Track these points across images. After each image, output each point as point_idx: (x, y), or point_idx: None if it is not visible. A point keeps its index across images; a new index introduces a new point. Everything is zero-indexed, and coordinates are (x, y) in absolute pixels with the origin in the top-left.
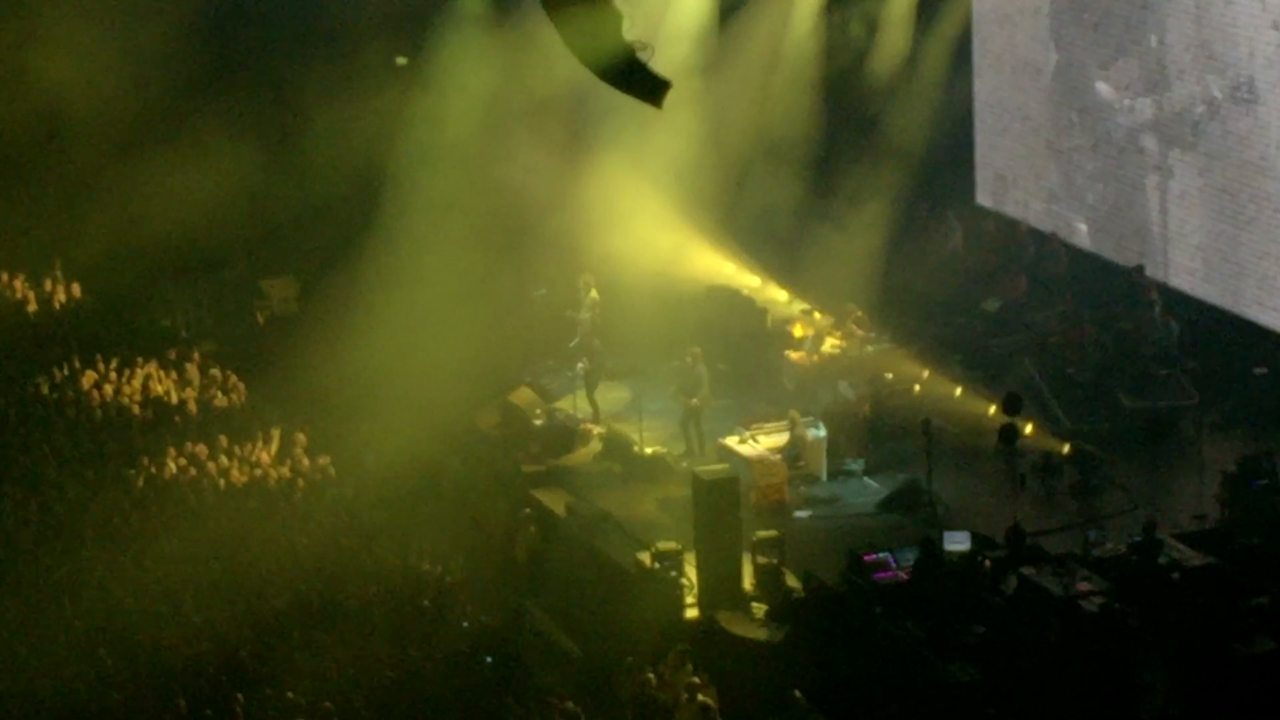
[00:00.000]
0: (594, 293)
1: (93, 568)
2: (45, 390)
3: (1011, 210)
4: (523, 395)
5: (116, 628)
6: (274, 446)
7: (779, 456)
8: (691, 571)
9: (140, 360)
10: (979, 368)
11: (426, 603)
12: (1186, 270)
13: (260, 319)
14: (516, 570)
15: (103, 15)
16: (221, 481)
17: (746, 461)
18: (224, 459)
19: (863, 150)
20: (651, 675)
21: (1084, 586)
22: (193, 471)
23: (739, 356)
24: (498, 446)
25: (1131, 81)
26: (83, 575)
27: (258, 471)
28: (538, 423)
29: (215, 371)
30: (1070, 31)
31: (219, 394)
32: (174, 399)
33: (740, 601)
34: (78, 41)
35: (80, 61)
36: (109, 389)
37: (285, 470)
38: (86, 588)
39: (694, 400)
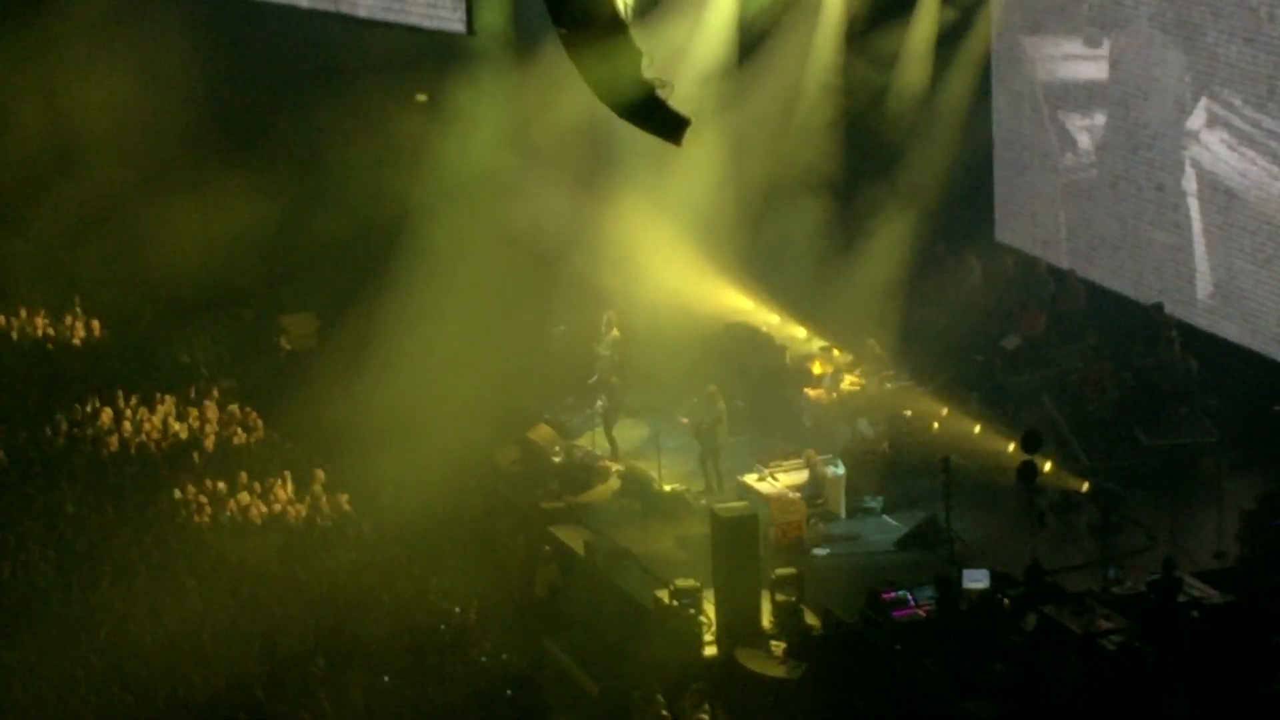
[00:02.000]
0: (615, 331)
1: (110, 604)
2: (64, 427)
3: (1031, 247)
4: (542, 432)
5: (134, 665)
6: (292, 484)
7: (798, 494)
8: (710, 609)
9: (159, 397)
10: (998, 405)
11: (445, 640)
12: (1206, 308)
13: (282, 354)
14: (535, 607)
15: (123, 53)
16: (240, 518)
17: (765, 499)
18: (243, 496)
19: (881, 187)
20: (665, 713)
21: (1103, 625)
22: (211, 508)
23: (758, 393)
24: (516, 483)
25: (1150, 119)
26: (100, 612)
27: (276, 508)
28: (556, 460)
29: (234, 408)
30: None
31: (238, 431)
32: (193, 436)
33: (759, 639)
34: (99, 79)
35: (101, 98)
36: (128, 426)
37: (304, 507)
38: (104, 625)
39: (714, 438)
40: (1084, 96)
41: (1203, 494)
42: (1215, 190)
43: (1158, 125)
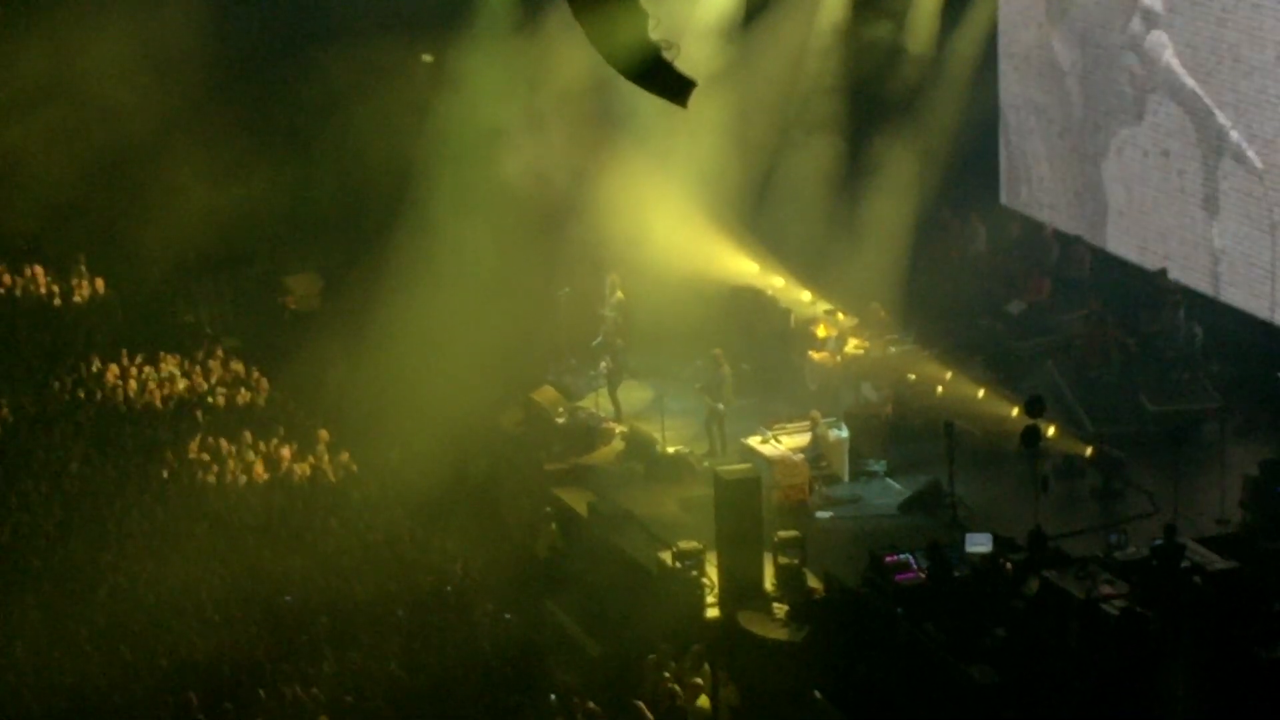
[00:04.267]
0: (620, 293)
1: (114, 563)
2: (69, 385)
3: (1036, 212)
4: (545, 394)
5: (137, 623)
6: (296, 444)
7: (801, 457)
8: (713, 571)
9: (164, 356)
10: (1002, 370)
11: (448, 600)
12: (1210, 274)
13: (286, 313)
14: (537, 568)
15: (127, 13)
16: (244, 477)
17: (768, 461)
18: (247, 454)
19: (887, 151)
20: (667, 674)
21: (1106, 590)
22: (215, 467)
23: (762, 357)
24: (520, 445)
25: (1157, 85)
26: (103, 570)
27: (281, 468)
28: (560, 421)
29: (238, 367)
30: (1096, 33)
31: (242, 390)
32: (197, 395)
33: (761, 601)
34: (104, 39)
35: (106, 58)
36: (132, 384)
37: (307, 467)
38: (106, 583)
39: (717, 404)
40: (1091, 62)
41: (1206, 460)
42: (1221, 156)
43: (1164, 91)
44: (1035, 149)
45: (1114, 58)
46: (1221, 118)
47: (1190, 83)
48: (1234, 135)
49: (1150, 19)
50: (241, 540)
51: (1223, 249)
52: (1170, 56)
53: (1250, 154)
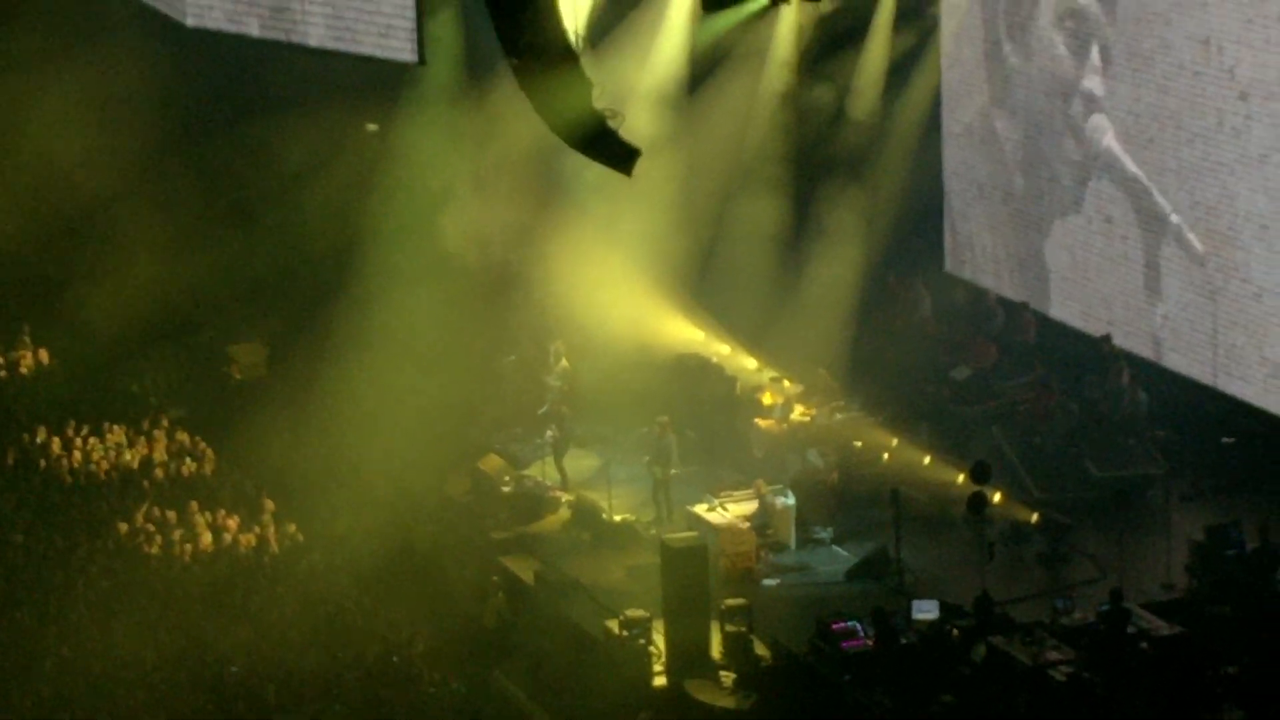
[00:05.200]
0: (565, 361)
1: (60, 634)
2: (13, 456)
3: (980, 278)
4: (492, 462)
5: (82, 695)
6: (241, 514)
7: (748, 524)
8: (660, 639)
9: (109, 426)
10: (948, 436)
11: (395, 670)
12: (1154, 339)
13: (232, 383)
14: (485, 637)
15: (74, 82)
16: (189, 548)
17: (715, 529)
18: (193, 525)
19: (832, 217)
20: None
21: (1052, 655)
22: (160, 537)
23: (708, 424)
24: (467, 513)
25: (1099, 152)
26: (49, 641)
27: (225, 538)
28: (507, 490)
29: (184, 437)
30: (1038, 111)
31: (187, 460)
32: (142, 465)
33: (708, 669)
34: (49, 109)
35: (51, 127)
36: (78, 455)
37: (253, 537)
38: (53, 654)
39: (666, 470)
40: (1033, 128)
41: (1151, 525)
42: (1162, 223)
43: (1107, 158)
44: (978, 216)
45: (1056, 136)
46: (1162, 201)
47: (1132, 167)
48: (1174, 219)
49: (1091, 103)
50: (187, 611)
51: (1166, 314)
52: (1111, 140)
53: (1191, 238)
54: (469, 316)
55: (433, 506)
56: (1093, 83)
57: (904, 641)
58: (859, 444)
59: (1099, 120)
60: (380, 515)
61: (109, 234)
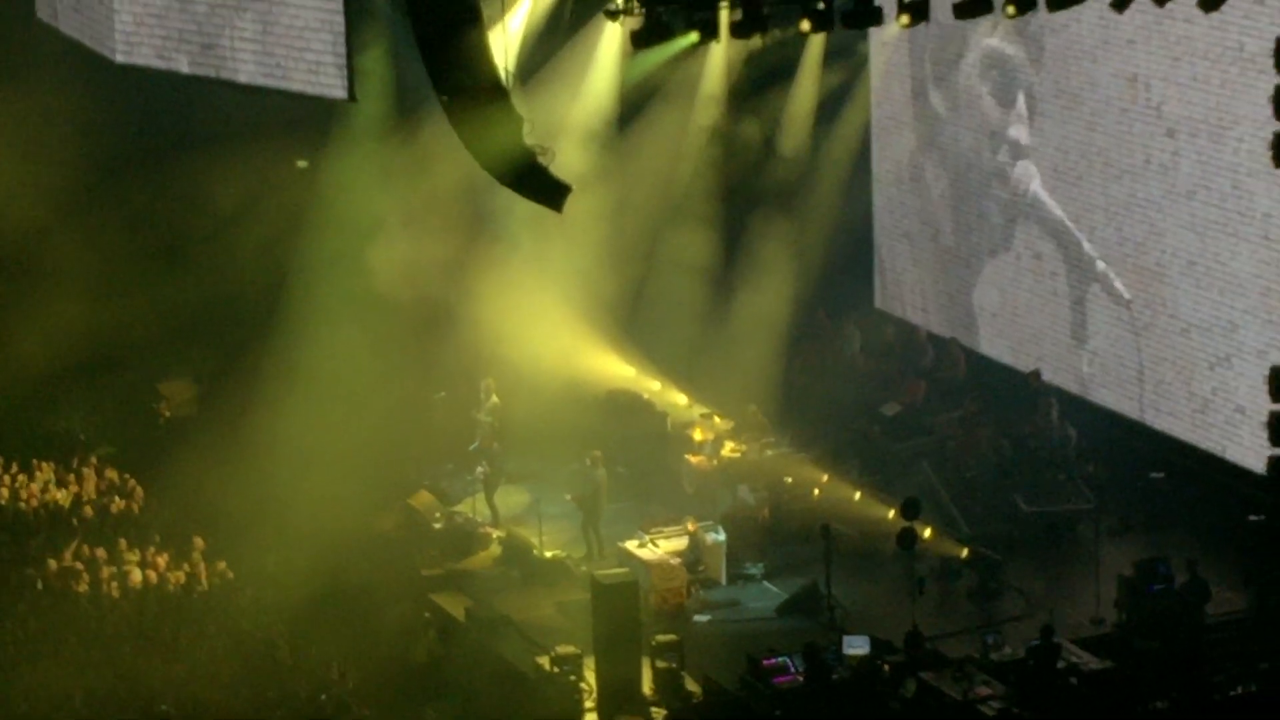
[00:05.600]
0: (495, 397)
1: None
2: None
3: (910, 315)
4: (422, 499)
5: None
6: (170, 551)
7: (678, 560)
8: (590, 676)
9: (37, 464)
10: (878, 472)
11: (325, 708)
12: (1083, 375)
13: (162, 420)
14: (415, 675)
15: (1, 118)
16: (118, 586)
17: (646, 565)
18: (122, 563)
19: (763, 254)
20: None
21: (982, 691)
22: (89, 575)
23: (639, 460)
24: (397, 550)
25: (1027, 189)
26: None
27: (155, 576)
28: (437, 526)
29: (113, 475)
30: (966, 138)
31: (117, 498)
32: (71, 503)
33: (639, 706)
34: None
35: None
36: (5, 493)
37: (182, 575)
38: None
39: (597, 504)
40: (962, 165)
41: (1081, 560)
42: (1091, 260)
43: (1035, 195)
44: (908, 253)
45: (984, 177)
46: (1089, 240)
47: (1058, 211)
48: (1101, 258)
49: (1018, 150)
50: (116, 649)
51: (1095, 350)
52: (1037, 186)
53: (1118, 275)
54: (399, 353)
55: (363, 543)
56: (1019, 131)
57: (835, 677)
58: (790, 480)
59: (1026, 167)
60: (310, 552)
61: (37, 270)
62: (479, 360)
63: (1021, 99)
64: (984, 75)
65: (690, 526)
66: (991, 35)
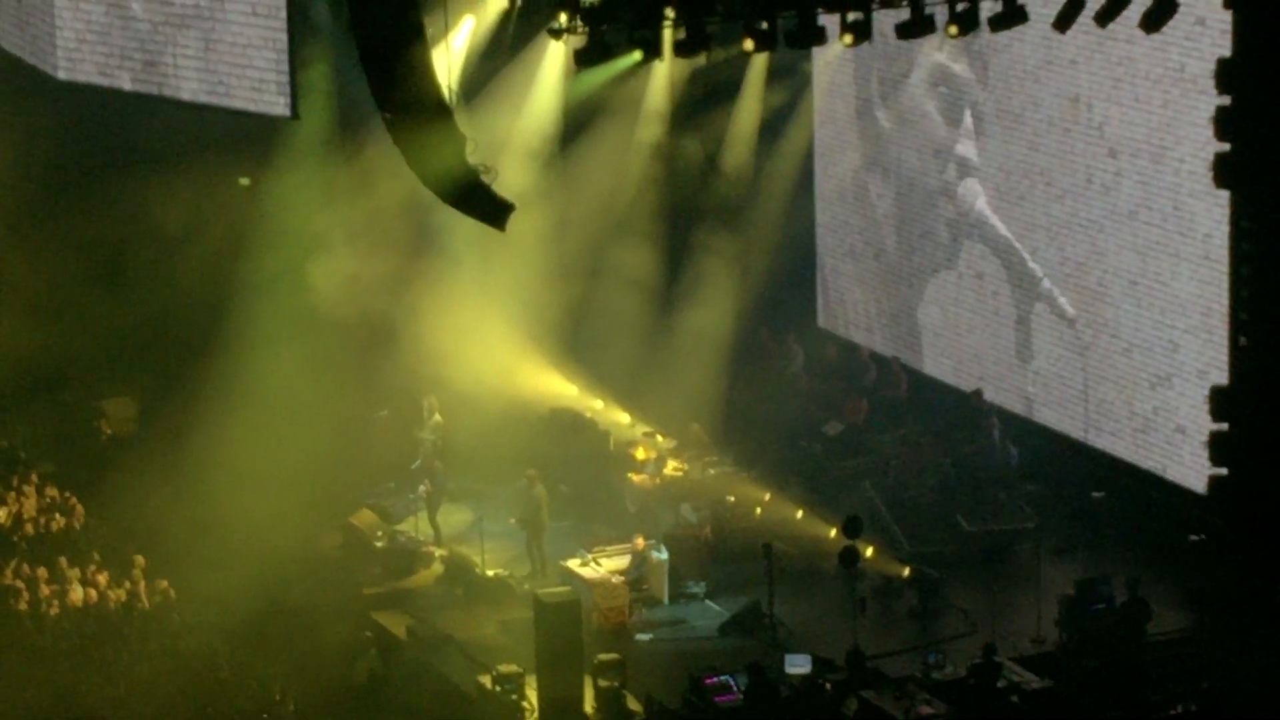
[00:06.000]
0: (438, 415)
1: None
2: None
3: (853, 334)
4: (364, 517)
5: None
6: (111, 570)
7: (621, 579)
8: (533, 694)
9: None
10: (820, 491)
11: None
12: (1025, 395)
13: (103, 438)
14: (356, 694)
15: None
16: (57, 605)
17: (588, 584)
18: (62, 581)
19: (705, 273)
20: None
21: (924, 710)
22: (28, 594)
23: (582, 479)
24: (339, 569)
25: (969, 209)
26: None
27: (95, 594)
28: (379, 545)
29: (54, 493)
30: (910, 157)
31: (57, 515)
32: (11, 521)
33: None
34: None
35: None
36: None
37: (123, 593)
38: None
39: (538, 522)
40: (905, 185)
41: (1022, 579)
42: (1033, 281)
43: (977, 215)
44: (851, 271)
45: (929, 195)
46: (1033, 260)
47: (1003, 230)
48: (1045, 277)
49: (964, 167)
50: (56, 667)
51: (1037, 370)
52: (983, 204)
53: (1061, 295)
54: (341, 371)
55: (305, 562)
56: (966, 148)
57: (783, 695)
58: (732, 499)
59: (972, 185)
60: (252, 571)
61: None
62: (421, 379)
63: (968, 116)
64: (931, 92)
65: (640, 543)
66: (939, 51)
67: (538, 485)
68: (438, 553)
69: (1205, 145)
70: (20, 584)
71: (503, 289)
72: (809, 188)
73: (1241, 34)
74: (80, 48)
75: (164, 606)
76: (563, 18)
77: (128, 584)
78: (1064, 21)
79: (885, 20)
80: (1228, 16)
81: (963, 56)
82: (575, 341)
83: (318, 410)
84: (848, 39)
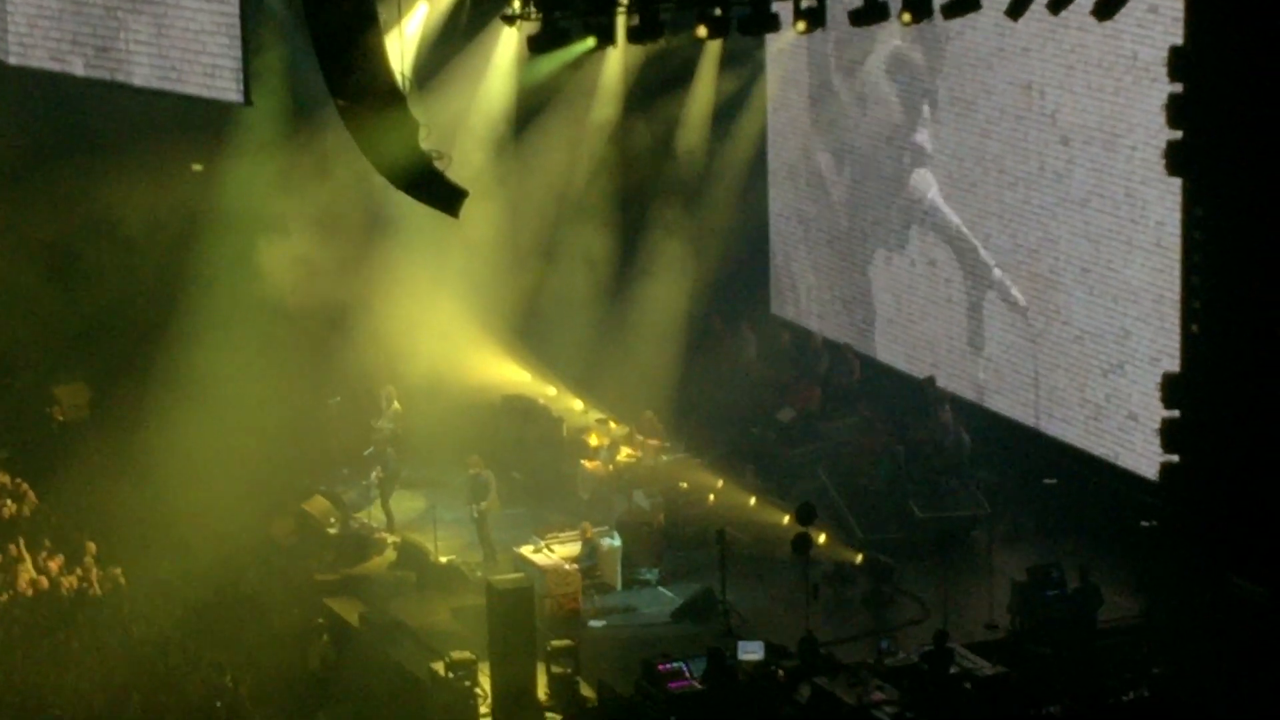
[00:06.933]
0: (396, 404)
1: None
2: None
3: (806, 321)
4: (317, 504)
5: None
6: (62, 556)
7: (573, 566)
8: (485, 681)
9: None
10: (773, 478)
11: (218, 714)
12: (977, 382)
13: (54, 424)
14: (309, 681)
15: None
16: (9, 590)
17: (541, 571)
18: (12, 568)
19: (658, 259)
20: None
21: (877, 696)
22: None
23: (534, 465)
24: (291, 555)
25: (923, 196)
26: None
27: (46, 581)
28: (332, 531)
29: (4, 478)
30: (862, 144)
31: (8, 501)
32: None
33: (534, 712)
34: None
35: None
36: None
37: (74, 580)
38: None
39: (481, 505)
40: (858, 171)
41: (974, 566)
42: (986, 266)
43: (931, 201)
44: (804, 258)
45: (883, 181)
46: (985, 247)
47: (955, 218)
48: (997, 265)
49: (919, 156)
50: (7, 654)
51: (990, 356)
52: (935, 194)
53: (1013, 282)
54: (294, 357)
55: (257, 548)
56: (919, 136)
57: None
58: (685, 485)
59: (924, 173)
60: (204, 557)
61: None
62: (374, 365)
63: (921, 103)
64: (887, 76)
65: (586, 532)
66: (896, 37)
67: (483, 470)
68: (390, 539)
69: (1157, 133)
70: None
71: (456, 275)
72: (762, 175)
73: (1193, 22)
74: (32, 33)
75: (116, 594)
76: (516, 4)
77: (79, 571)
78: (1017, 9)
79: (838, 7)
80: (1180, 4)
81: (917, 44)
82: (529, 327)
83: (271, 396)
84: (801, 26)
